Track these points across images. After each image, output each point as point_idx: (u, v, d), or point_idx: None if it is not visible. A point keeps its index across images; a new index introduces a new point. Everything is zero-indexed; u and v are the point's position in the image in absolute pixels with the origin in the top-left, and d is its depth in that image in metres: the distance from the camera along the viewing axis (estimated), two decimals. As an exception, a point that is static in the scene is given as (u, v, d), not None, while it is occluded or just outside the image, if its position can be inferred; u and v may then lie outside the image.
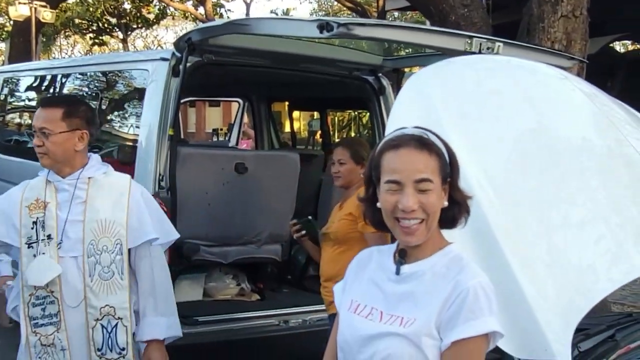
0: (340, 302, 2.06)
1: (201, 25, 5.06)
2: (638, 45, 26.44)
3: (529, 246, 2.49)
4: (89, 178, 2.89)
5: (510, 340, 2.04)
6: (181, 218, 4.26)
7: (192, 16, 28.68)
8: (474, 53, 3.48)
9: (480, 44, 3.50)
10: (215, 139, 21.93)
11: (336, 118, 30.37)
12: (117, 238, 2.83)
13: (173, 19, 32.95)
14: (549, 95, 3.18)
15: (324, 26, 3.14)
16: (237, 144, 8.06)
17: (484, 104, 3.00)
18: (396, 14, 30.41)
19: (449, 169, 1.88)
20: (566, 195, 2.76)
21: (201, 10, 27.07)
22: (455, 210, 1.90)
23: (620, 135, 3.12)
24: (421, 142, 1.84)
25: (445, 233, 1.96)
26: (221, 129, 24.68)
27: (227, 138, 9.37)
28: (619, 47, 29.69)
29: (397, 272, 1.90)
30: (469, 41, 3.48)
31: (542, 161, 2.86)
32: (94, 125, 3.02)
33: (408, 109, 2.71)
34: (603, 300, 2.82)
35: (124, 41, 34.20)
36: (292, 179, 4.93)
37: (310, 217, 4.05)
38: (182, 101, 4.90)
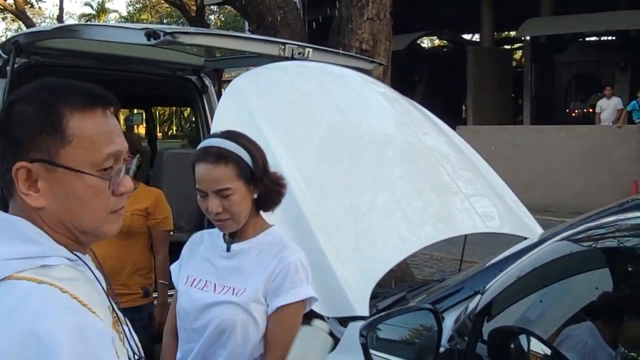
0: (177, 279, 2.39)
1: (30, 29, 5.10)
2: (443, 42, 28.26)
3: (337, 228, 2.91)
4: None
5: (323, 304, 2.46)
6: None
7: (0, 7, 27.29)
8: (286, 57, 3.87)
9: (293, 50, 3.87)
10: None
11: (157, 112, 30.09)
12: None
13: (-21, 9, 31.06)
14: (352, 97, 3.63)
15: (151, 34, 3.34)
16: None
17: (296, 105, 3.39)
18: (214, 7, 30.57)
19: (252, 169, 2.19)
20: (370, 186, 3.17)
21: (10, 0, 25.85)
22: (263, 199, 2.25)
23: (416, 131, 3.61)
24: (217, 156, 2.15)
25: (268, 218, 2.34)
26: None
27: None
28: (426, 43, 31.57)
29: (228, 250, 2.26)
30: (282, 47, 3.85)
31: (348, 154, 3.28)
32: None
33: (228, 113, 3.06)
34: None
35: None
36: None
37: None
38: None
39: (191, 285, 2.30)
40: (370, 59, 4.89)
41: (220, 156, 2.16)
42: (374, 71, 5.21)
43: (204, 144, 2.24)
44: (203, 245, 2.37)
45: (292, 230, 2.65)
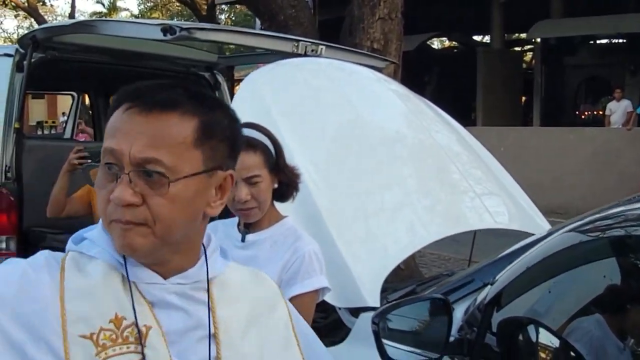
0: None
1: (47, 24, 5.18)
2: (453, 43, 28.26)
3: (349, 223, 2.97)
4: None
5: (335, 295, 2.51)
6: (28, 207, 4.41)
7: (13, 3, 27.43)
8: (300, 54, 3.92)
9: (306, 47, 3.93)
10: (40, 132, 21.13)
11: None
12: None
13: (-8, 6, 31.23)
14: (364, 94, 3.68)
15: (167, 30, 3.41)
16: (71, 136, 8.08)
17: (309, 101, 3.45)
18: (225, 7, 30.63)
19: (275, 158, 2.25)
20: (381, 183, 3.22)
21: (23, -3, 26.00)
22: (284, 188, 2.31)
23: (428, 129, 3.65)
24: (246, 144, 2.14)
25: (284, 209, 2.38)
26: (46, 122, 23.79)
27: (62, 130, 9.27)
28: (436, 44, 31.56)
29: (243, 240, 2.30)
30: (296, 44, 3.91)
31: (359, 151, 3.33)
32: None
33: (244, 107, 3.11)
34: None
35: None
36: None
37: None
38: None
39: None
40: (382, 57, 4.94)
41: (248, 144, 2.19)
42: (384, 70, 5.25)
43: None
44: (217, 235, 2.41)
45: (306, 223, 2.69)
